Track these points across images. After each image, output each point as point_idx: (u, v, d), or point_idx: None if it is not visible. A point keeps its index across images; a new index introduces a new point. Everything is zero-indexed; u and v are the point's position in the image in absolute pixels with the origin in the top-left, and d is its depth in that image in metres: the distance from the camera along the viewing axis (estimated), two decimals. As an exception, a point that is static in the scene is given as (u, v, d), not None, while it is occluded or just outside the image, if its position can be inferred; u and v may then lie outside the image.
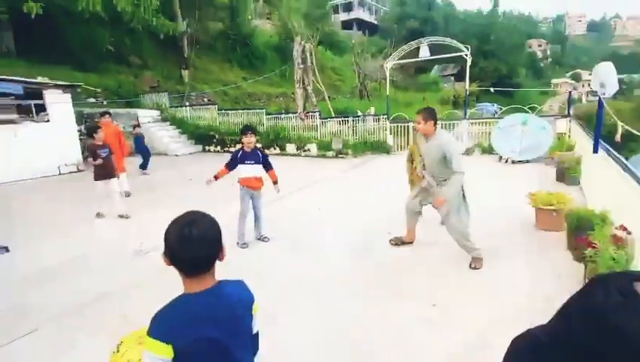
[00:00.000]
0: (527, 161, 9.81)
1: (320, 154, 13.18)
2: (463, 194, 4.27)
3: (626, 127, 4.66)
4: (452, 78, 41.05)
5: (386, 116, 13.65)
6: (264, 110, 15.61)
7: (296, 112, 14.64)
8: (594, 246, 3.34)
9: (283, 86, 27.39)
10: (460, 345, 2.91)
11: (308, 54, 14.24)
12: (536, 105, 13.67)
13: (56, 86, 11.60)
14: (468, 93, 13.16)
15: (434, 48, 14.96)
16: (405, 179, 5.45)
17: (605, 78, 4.72)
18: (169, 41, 20.33)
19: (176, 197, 8.11)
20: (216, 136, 15.65)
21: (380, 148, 13.25)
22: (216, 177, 5.04)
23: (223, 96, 22.48)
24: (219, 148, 15.52)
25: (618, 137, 4.74)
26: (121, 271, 4.65)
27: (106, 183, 6.60)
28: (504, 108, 16.00)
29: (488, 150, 11.41)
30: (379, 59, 27.35)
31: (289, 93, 25.79)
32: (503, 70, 44.75)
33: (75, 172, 11.68)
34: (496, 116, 14.55)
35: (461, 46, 12.27)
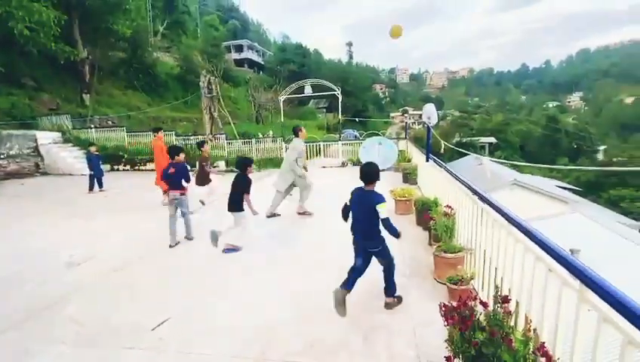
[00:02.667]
0: (384, 170, 11.42)
1: (229, 170, 12.95)
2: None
3: (446, 143, 6.01)
4: (324, 110, 44.15)
5: (281, 137, 14.19)
6: (173, 132, 14.59)
7: (204, 134, 14.10)
8: (433, 219, 4.32)
9: (187, 111, 25.76)
10: (367, 291, 3.47)
11: (214, 86, 13.90)
12: (383, 131, 15.90)
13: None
14: (340, 121, 14.60)
15: (313, 87, 16.16)
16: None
17: (431, 113, 6.03)
18: (69, 66, 17.36)
19: (93, 208, 7.17)
20: (125, 156, 13.98)
21: (279, 163, 13.65)
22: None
23: (127, 120, 20.07)
24: (128, 167, 13.88)
25: (442, 150, 6.08)
26: (60, 280, 4.07)
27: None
28: (364, 133, 18.11)
29: (357, 162, 12.83)
30: (269, 93, 27.95)
31: (193, 117, 24.39)
32: (359, 105, 50.00)
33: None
34: (360, 139, 16.45)
35: (333, 86, 13.60)
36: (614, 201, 23.38)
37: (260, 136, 15.48)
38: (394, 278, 3.26)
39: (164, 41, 35.12)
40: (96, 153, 9.80)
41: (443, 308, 1.94)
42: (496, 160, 20.49)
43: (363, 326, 2.95)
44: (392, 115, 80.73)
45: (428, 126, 6.10)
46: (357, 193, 3.26)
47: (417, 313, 3.13)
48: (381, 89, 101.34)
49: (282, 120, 14.23)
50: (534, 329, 1.88)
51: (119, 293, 3.82)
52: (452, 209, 4.33)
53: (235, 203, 4.73)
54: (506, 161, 18.80)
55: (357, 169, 13.11)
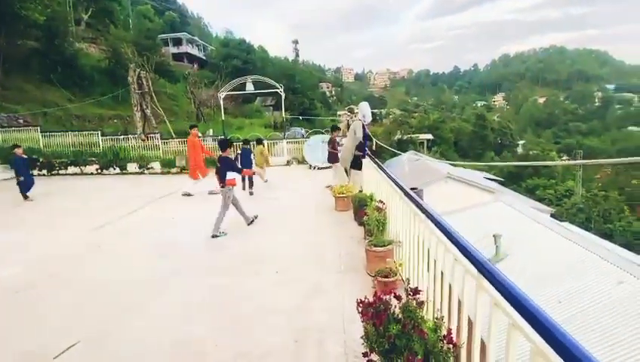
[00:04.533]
0: (329, 167, 11.53)
1: (165, 171, 12.09)
2: None
3: (379, 142, 6.21)
4: (271, 107, 43.47)
5: (223, 136, 13.61)
6: (98, 131, 13.21)
7: (135, 133, 12.97)
8: (367, 215, 4.43)
9: (117, 109, 23.53)
10: (302, 292, 3.43)
11: (144, 80, 12.82)
12: (327, 130, 16.09)
13: None
14: (285, 119, 14.43)
15: (256, 84, 15.75)
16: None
17: (365, 111, 6.19)
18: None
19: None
20: (41, 160, 12.32)
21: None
22: None
23: (43, 118, 17.71)
24: (45, 171, 12.24)
25: (374, 147, 6.26)
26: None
27: None
28: (310, 131, 18.15)
29: (302, 161, 12.82)
30: (211, 89, 26.69)
31: (124, 115, 22.36)
32: (306, 103, 50.13)
33: None
34: (304, 137, 16.41)
35: (276, 84, 13.40)
36: (530, 190, 26.49)
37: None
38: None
39: (89, 32, 31.69)
40: (23, 155, 8.54)
41: (360, 304, 1.95)
42: (463, 164, 21.90)
43: (295, 327, 2.90)
44: (339, 113, 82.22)
45: (363, 124, 6.26)
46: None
47: (349, 309, 3.16)
48: (328, 87, 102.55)
49: (223, 118, 13.64)
50: (442, 318, 1.98)
51: (22, 315, 3.32)
52: (384, 204, 4.48)
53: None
54: (469, 163, 20.18)
55: (303, 168, 13.36)
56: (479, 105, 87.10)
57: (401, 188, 3.47)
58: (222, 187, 5.43)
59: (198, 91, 26.62)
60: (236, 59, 45.42)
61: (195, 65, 47.41)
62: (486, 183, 20.52)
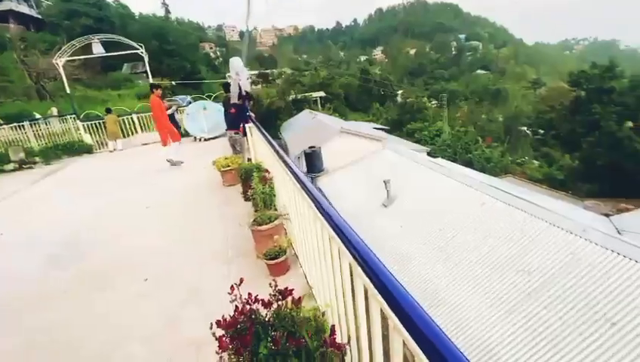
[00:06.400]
0: (215, 138, 10.35)
1: (-11, 168, 9.09)
2: None
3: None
4: (144, 75, 37.25)
5: (74, 116, 10.84)
6: None
7: None
8: (251, 188, 3.87)
9: None
10: (175, 299, 2.77)
11: None
12: (218, 93, 14.41)
13: None
14: (151, 87, 12.19)
15: (110, 45, 12.73)
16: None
17: (238, 68, 5.35)
18: None
19: None
20: None
21: (77, 149, 10.50)
22: None
23: None
24: None
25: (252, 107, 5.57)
26: None
27: None
28: (187, 98, 16.03)
29: (185, 133, 11.22)
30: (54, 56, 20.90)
31: None
32: (188, 67, 44.52)
33: None
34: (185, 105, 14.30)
35: (134, 44, 11.00)
36: (410, 133, 29.75)
37: (37, 116, 11.43)
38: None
39: None
40: None
41: (217, 325, 1.43)
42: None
43: (161, 350, 2.27)
44: (228, 75, 76.24)
45: (238, 83, 5.44)
46: None
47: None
48: (211, 48, 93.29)
49: (68, 90, 10.67)
50: (323, 314, 1.62)
51: None
52: (270, 173, 3.97)
53: None
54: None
55: (187, 141, 11.73)
56: (362, 59, 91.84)
57: (276, 152, 2.97)
58: None
59: (33, 60, 20.53)
60: (85, 16, 36.56)
61: (29, 27, 36.67)
62: (375, 133, 22.03)
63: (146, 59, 11.25)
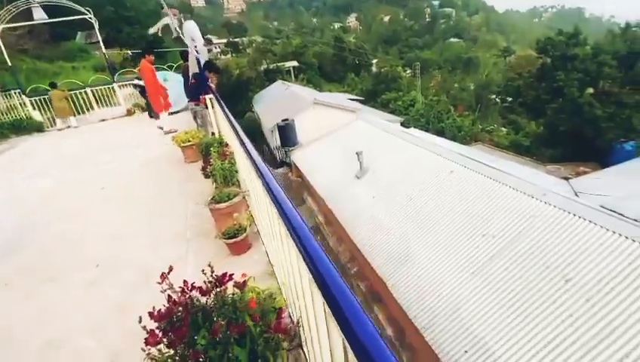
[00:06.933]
0: (179, 112, 9.73)
1: None
2: None
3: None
4: (100, 44, 34.25)
5: (19, 91, 9.80)
6: None
7: None
8: (211, 164, 3.64)
9: None
10: (128, 286, 2.59)
11: None
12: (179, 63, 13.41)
13: None
14: (107, 56, 11.22)
15: (57, 11, 11.34)
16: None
17: (193, 33, 4.88)
18: None
19: None
20: None
21: (26, 127, 9.60)
22: None
23: None
24: None
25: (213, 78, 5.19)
26: None
27: None
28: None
29: (145, 108, 10.50)
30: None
31: None
32: (149, 35, 41.32)
33: None
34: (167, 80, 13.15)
35: (81, 9, 9.87)
36: (385, 104, 29.60)
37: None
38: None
39: None
40: None
41: (150, 318, 1.29)
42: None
43: (112, 343, 2.13)
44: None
45: (194, 49, 4.99)
46: None
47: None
48: (175, 15, 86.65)
49: (9, 62, 9.52)
50: (271, 295, 1.51)
51: None
52: (229, 147, 3.74)
53: None
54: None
55: (147, 115, 10.55)
56: (336, 27, 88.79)
57: (231, 124, 2.75)
58: None
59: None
60: (25, -23, 32.51)
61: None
62: (349, 104, 21.71)
63: (96, 26, 10.19)
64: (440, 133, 22.29)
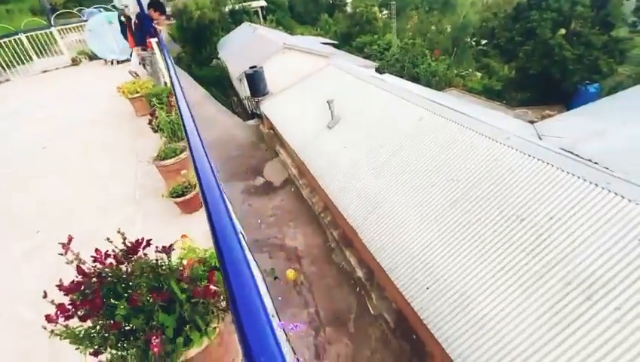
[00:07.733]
0: (122, 61, 8.77)
1: None
2: None
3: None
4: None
5: None
6: None
7: None
8: (156, 117, 3.32)
9: None
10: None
11: None
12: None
13: None
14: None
15: None
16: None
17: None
18: None
19: None
20: None
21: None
22: None
23: None
24: None
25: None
26: None
27: None
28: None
29: (93, 56, 9.41)
30: None
31: None
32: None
33: None
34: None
35: None
36: (360, 48, 28.23)
37: None
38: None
39: None
40: None
41: (60, 288, 1.16)
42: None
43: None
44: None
45: (126, 15, 4.29)
46: None
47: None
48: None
49: None
50: (206, 257, 1.41)
51: None
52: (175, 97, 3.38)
53: None
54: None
55: (98, 65, 9.89)
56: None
57: (169, 71, 2.43)
58: None
59: None
60: None
61: None
62: (322, 48, 20.49)
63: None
64: (415, 79, 21.84)
